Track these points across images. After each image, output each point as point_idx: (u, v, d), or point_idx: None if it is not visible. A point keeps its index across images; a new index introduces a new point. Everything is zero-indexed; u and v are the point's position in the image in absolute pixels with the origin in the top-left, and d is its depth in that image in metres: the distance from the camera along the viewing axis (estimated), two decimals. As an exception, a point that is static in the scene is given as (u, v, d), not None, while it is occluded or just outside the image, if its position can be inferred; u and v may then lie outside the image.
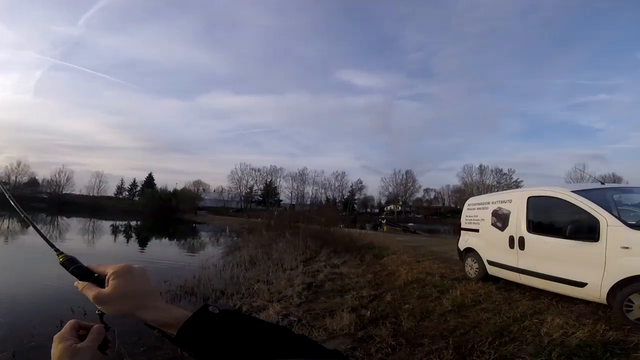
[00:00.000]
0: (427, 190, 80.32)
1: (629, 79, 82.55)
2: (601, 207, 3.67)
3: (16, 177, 68.51)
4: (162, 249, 17.12)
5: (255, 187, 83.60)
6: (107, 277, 0.52)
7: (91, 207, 58.93)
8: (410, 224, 41.88)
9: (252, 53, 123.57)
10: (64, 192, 70.26)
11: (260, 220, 23.67)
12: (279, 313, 5.26)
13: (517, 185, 54.87)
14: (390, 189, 79.42)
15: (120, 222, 36.25)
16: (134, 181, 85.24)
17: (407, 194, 78.21)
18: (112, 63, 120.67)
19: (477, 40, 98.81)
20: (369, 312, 4.94)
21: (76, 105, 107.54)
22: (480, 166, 68.00)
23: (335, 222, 19.25)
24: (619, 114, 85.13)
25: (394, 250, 11.05)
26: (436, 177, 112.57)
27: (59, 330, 0.50)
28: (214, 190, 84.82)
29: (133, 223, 38.02)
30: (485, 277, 5.55)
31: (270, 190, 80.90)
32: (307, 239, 14.43)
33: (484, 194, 5.97)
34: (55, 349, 0.47)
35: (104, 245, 17.27)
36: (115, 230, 28.27)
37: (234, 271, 9.49)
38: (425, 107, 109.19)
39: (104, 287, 0.51)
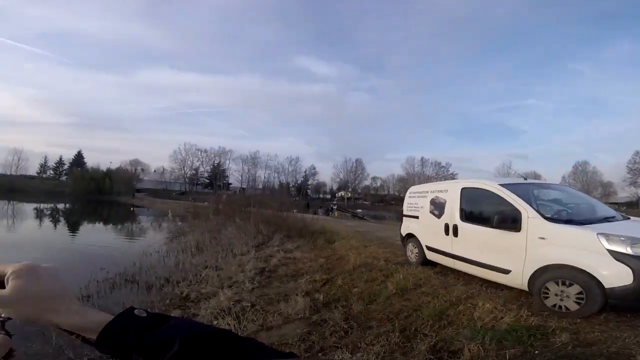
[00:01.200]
0: (374, 179, 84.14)
1: (556, 87, 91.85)
2: (523, 200, 3.92)
3: None
4: (97, 235, 15.59)
5: (202, 169, 79.69)
6: (6, 277, 0.45)
7: (8, 187, 51.39)
8: (358, 210, 43.29)
9: (201, 30, 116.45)
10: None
11: (207, 204, 22.61)
12: (230, 299, 5.11)
13: (452, 177, 59.68)
14: (342, 176, 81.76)
15: (45, 205, 32.08)
16: (60, 159, 76.26)
17: (357, 182, 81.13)
18: (38, 34, 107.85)
19: (429, 40, 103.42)
20: (321, 296, 4.94)
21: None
22: (422, 158, 73.29)
23: (289, 207, 19.26)
24: (542, 119, 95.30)
25: (344, 235, 11.20)
26: (382, 167, 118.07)
27: None
28: (154, 171, 78.81)
29: (60, 206, 33.96)
30: (425, 262, 5.74)
31: (218, 173, 77.71)
32: (258, 223, 14.15)
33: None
34: None
35: (26, 232, 15.15)
36: (39, 214, 25.01)
37: (179, 257, 8.99)
38: (375, 99, 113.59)
39: (3, 289, 0.44)
